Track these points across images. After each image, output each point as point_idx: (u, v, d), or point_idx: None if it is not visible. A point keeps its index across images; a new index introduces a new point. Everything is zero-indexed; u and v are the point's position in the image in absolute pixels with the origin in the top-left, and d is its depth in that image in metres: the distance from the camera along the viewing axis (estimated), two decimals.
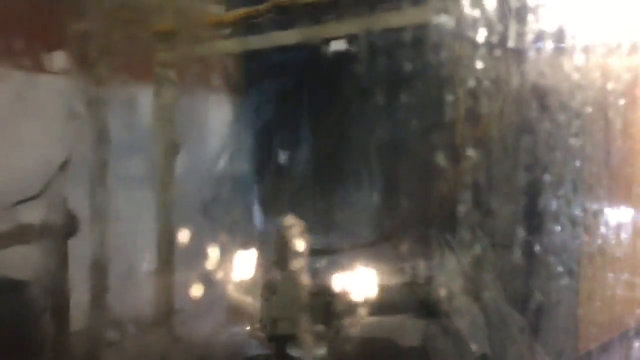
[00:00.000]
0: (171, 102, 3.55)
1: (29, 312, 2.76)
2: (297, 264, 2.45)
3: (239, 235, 3.11)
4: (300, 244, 2.45)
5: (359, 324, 2.52)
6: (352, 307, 2.53)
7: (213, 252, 3.00)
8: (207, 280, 2.91)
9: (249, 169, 3.56)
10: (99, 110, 3.14)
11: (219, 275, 2.94)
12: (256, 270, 2.79)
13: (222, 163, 3.45)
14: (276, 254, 2.49)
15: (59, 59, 2.97)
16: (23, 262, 2.81)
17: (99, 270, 2.95)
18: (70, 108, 2.99)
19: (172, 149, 3.38)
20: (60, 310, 2.85)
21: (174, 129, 3.53)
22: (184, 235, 3.26)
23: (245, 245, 3.04)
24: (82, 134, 3.04)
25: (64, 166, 2.89)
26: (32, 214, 2.86)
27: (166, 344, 2.69)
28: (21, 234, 2.81)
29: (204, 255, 3.01)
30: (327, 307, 2.52)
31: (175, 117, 3.55)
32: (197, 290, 2.91)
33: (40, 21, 2.85)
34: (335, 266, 2.70)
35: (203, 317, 2.84)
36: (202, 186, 3.42)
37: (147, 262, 3.18)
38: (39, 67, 3.00)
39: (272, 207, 3.39)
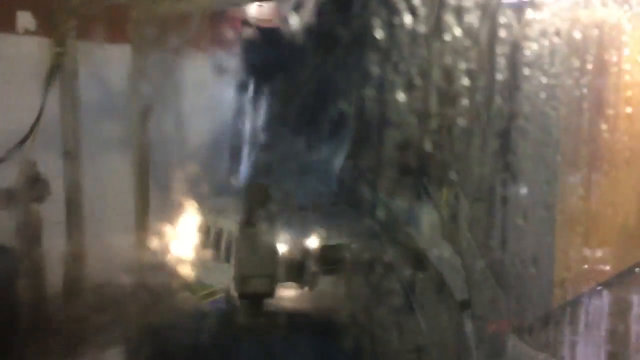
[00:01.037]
0: (146, 62, 3.48)
1: (4, 276, 2.76)
2: (265, 221, 2.45)
3: (210, 195, 3.09)
4: (268, 202, 2.46)
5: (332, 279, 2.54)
6: (324, 263, 2.54)
7: (187, 211, 3.00)
8: (178, 239, 2.91)
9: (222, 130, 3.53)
10: (70, 72, 3.09)
11: (191, 234, 2.93)
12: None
13: (196, 124, 3.41)
14: (245, 212, 2.48)
15: (25, 18, 2.90)
16: None
17: (71, 234, 2.95)
18: (39, 70, 2.93)
19: (145, 110, 3.34)
20: (35, 274, 2.85)
21: (148, 90, 3.48)
22: (158, 197, 3.25)
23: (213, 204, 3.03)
24: (52, 96, 2.99)
25: (32, 130, 2.84)
26: (3, 177, 2.83)
27: (140, 306, 2.69)
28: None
29: (176, 216, 3.00)
30: (299, 263, 2.53)
31: (150, 77, 3.49)
32: (167, 249, 2.91)
33: None
34: (306, 222, 2.70)
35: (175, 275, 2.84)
36: (177, 148, 3.39)
37: (120, 226, 3.17)
38: (7, 28, 2.93)
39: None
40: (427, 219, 2.63)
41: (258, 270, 2.45)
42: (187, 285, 2.80)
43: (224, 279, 2.63)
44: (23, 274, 2.79)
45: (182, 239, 2.96)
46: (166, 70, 3.35)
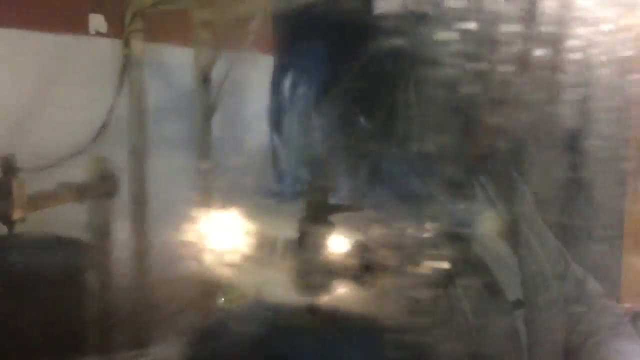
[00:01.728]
0: (210, 65, 3.57)
1: (76, 269, 2.88)
2: (329, 217, 2.47)
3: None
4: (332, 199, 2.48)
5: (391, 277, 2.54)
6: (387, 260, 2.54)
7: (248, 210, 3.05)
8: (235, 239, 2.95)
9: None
10: (138, 73, 3.21)
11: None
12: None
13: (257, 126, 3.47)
14: (310, 208, 2.50)
15: (96, 20, 3.02)
16: (70, 219, 2.92)
17: (138, 229, 3.05)
18: (109, 70, 3.06)
19: (209, 112, 3.42)
20: (104, 266, 2.96)
21: (211, 91, 3.56)
22: (220, 197, 3.32)
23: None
24: (122, 96, 3.11)
25: (104, 127, 2.96)
26: (76, 174, 2.95)
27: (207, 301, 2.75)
28: (66, 193, 2.90)
29: (237, 216, 3.05)
30: (362, 261, 2.54)
31: (213, 80, 3.57)
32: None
33: None
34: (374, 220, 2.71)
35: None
36: (238, 150, 3.46)
37: (184, 223, 3.25)
38: (80, 29, 3.05)
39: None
40: (485, 217, 2.62)
41: (318, 268, 2.47)
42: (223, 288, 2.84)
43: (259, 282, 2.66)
44: (94, 267, 2.90)
45: (238, 240, 3.02)
46: (232, 72, 3.43)
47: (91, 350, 2.73)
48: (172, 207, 3.26)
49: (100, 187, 2.88)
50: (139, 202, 3.19)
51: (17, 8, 2.75)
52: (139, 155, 3.19)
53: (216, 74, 3.57)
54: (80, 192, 2.85)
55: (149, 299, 2.93)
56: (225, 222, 3.04)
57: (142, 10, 3.19)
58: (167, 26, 3.30)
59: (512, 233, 2.56)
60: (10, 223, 2.77)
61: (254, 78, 3.71)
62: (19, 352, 2.41)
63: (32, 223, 2.67)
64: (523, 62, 2.21)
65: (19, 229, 2.78)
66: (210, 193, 3.51)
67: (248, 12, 3.71)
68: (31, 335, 2.47)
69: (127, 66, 3.12)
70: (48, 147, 2.94)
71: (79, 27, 2.98)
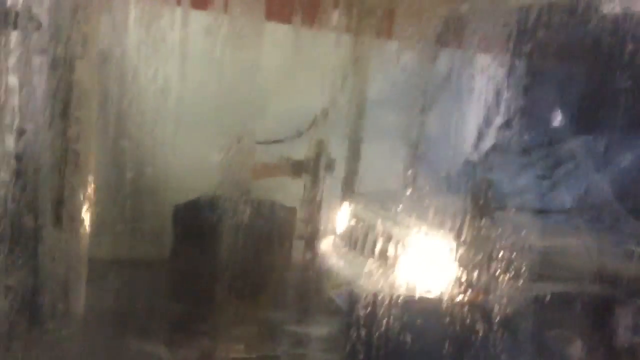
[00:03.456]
0: (432, 61, 3.70)
1: (284, 233, 3.26)
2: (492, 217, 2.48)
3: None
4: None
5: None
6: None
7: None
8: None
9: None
10: (362, 66, 3.47)
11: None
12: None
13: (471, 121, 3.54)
14: (475, 203, 2.53)
15: (331, 17, 3.33)
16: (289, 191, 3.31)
17: (345, 208, 3.33)
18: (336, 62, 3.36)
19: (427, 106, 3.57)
20: (312, 236, 3.30)
21: (430, 87, 3.70)
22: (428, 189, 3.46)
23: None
24: (344, 86, 3.40)
25: (325, 113, 3.29)
26: (298, 152, 3.32)
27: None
28: (288, 167, 3.30)
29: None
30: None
31: (432, 77, 3.70)
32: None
33: None
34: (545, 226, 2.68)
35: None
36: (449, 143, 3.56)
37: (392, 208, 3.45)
38: (320, 24, 3.38)
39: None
40: None
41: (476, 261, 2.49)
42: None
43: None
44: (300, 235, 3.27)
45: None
46: (452, 70, 3.53)
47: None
48: (378, 192, 3.50)
49: (316, 166, 3.22)
50: (349, 184, 3.49)
51: (275, 3, 3.13)
52: (354, 141, 3.48)
53: (436, 71, 3.70)
54: (299, 168, 3.23)
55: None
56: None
57: (375, 8, 3.44)
58: (396, 23, 3.50)
59: None
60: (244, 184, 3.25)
61: (472, 77, 3.79)
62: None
63: (257, 189, 3.10)
64: None
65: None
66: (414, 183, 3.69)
67: (473, 13, 3.77)
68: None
69: (355, 59, 3.40)
70: (278, 126, 3.35)
71: (320, 21, 3.31)
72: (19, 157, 2.05)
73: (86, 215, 2.19)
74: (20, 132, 2.03)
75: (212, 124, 2.94)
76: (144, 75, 2.69)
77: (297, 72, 3.27)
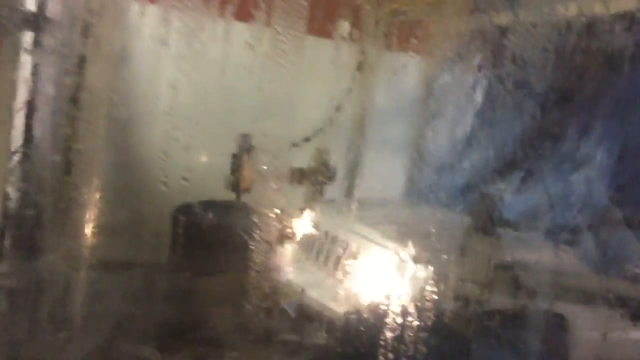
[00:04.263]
0: (436, 74, 3.72)
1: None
2: (493, 232, 2.50)
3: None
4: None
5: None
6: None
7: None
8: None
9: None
10: (367, 76, 3.48)
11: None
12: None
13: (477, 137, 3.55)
14: (475, 219, 2.55)
15: (340, 27, 3.33)
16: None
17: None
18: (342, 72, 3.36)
19: (427, 118, 3.60)
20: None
21: (433, 99, 3.72)
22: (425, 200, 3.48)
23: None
24: (349, 96, 3.41)
25: (330, 122, 3.29)
26: (301, 160, 3.32)
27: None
28: (288, 174, 3.28)
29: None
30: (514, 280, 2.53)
31: (436, 88, 3.72)
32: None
33: None
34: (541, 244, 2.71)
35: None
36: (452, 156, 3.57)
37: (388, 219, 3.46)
38: (328, 34, 3.38)
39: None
40: None
41: (472, 276, 2.50)
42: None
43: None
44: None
45: None
46: (459, 85, 3.55)
47: None
48: (376, 202, 3.51)
49: (318, 174, 3.22)
50: (349, 193, 3.49)
51: (285, 11, 3.12)
52: (356, 151, 3.49)
53: (440, 83, 3.72)
54: (300, 175, 3.23)
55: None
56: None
57: (382, 20, 3.45)
58: (402, 35, 3.51)
59: None
60: (237, 192, 3.25)
61: (474, 90, 3.80)
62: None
63: (256, 195, 3.09)
64: None
65: (244, 197, 3.23)
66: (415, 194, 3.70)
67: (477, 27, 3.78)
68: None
69: (360, 69, 3.40)
70: (281, 133, 3.33)
71: (328, 31, 3.31)
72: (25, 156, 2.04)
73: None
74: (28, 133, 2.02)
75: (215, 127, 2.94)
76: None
77: (303, 80, 3.27)
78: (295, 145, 3.28)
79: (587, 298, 2.54)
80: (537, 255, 2.70)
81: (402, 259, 2.54)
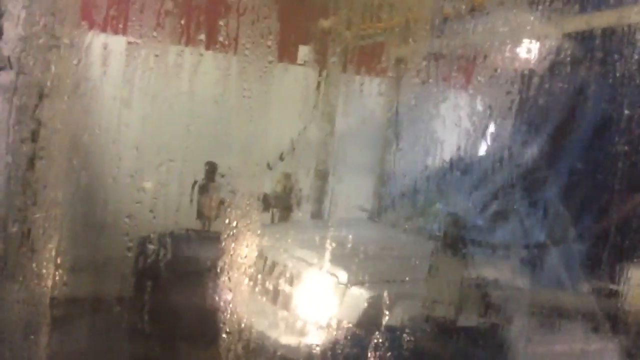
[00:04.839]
0: (400, 96, 3.76)
1: None
2: (461, 251, 2.54)
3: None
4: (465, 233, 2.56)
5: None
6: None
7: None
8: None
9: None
10: (330, 99, 3.51)
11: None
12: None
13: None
14: (445, 238, 2.59)
15: (303, 52, 3.37)
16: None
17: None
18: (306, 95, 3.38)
19: (391, 142, 3.63)
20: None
21: (398, 122, 3.75)
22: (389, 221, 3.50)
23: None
24: (312, 120, 3.43)
25: (294, 146, 3.31)
26: (264, 185, 3.32)
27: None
28: (264, 201, 3.28)
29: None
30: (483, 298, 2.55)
31: (400, 111, 3.75)
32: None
33: (291, 20, 3.25)
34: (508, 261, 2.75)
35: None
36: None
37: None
38: (290, 58, 3.42)
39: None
40: None
41: (442, 297, 2.53)
42: None
43: None
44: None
45: None
46: (420, 105, 3.58)
47: None
48: (345, 225, 3.52)
49: (284, 200, 3.24)
50: (316, 217, 3.51)
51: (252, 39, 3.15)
52: (322, 175, 3.50)
53: (404, 105, 3.76)
54: (266, 201, 3.23)
55: None
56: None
57: (343, 44, 3.49)
58: (364, 59, 3.55)
59: None
60: (205, 219, 3.24)
61: (442, 112, 3.84)
62: None
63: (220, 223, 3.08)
64: None
65: (212, 225, 3.23)
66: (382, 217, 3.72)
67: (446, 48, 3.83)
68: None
69: (323, 93, 3.43)
70: (245, 158, 3.34)
71: (290, 56, 3.35)
72: None
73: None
74: None
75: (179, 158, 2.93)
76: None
77: (266, 105, 3.28)
78: (261, 170, 3.29)
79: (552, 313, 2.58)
80: (501, 273, 2.75)
81: (340, 282, 2.56)
